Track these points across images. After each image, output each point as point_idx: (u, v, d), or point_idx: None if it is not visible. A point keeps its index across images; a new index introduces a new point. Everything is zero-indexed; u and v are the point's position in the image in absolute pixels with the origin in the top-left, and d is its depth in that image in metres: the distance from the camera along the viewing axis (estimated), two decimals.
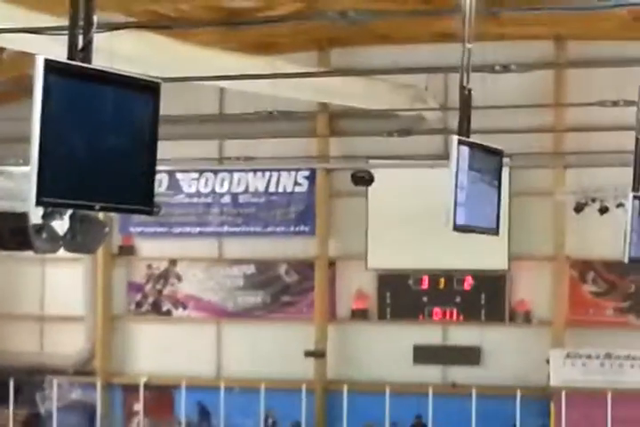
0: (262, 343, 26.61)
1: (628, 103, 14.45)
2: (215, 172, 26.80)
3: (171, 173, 26.47)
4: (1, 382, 26.72)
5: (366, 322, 26.11)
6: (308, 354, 25.87)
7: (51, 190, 5.71)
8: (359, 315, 26.04)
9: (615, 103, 16.00)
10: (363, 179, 22.25)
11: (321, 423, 26.06)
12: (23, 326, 28.77)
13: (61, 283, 28.42)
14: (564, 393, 24.08)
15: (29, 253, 18.67)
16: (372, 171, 22.53)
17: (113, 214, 22.26)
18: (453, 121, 10.30)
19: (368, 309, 26.14)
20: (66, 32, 6.23)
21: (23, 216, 11.53)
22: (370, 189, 23.42)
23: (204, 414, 26.77)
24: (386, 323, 25.94)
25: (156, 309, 27.79)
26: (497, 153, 9.20)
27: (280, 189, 26.52)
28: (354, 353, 26.15)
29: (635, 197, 12.31)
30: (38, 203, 5.71)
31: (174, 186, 26.83)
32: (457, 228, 8.42)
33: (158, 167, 6.53)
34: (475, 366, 25.47)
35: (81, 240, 16.92)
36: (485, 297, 25.33)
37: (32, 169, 5.61)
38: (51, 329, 28.74)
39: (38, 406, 27.72)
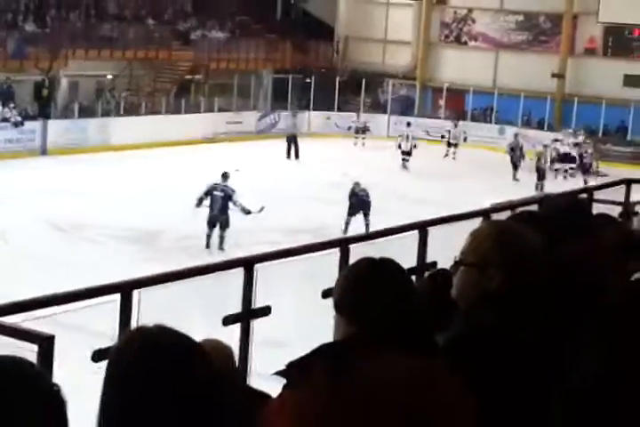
0: (523, 65, 37.47)
1: None
2: None
3: None
4: (356, 81, 39.61)
5: (594, 57, 37.48)
6: (553, 75, 37.44)
7: None
8: (589, 52, 37.69)
9: None
10: None
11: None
12: (372, 46, 41.40)
13: (398, 20, 40.64)
14: None
15: None
16: None
17: None
18: None
19: (596, 48, 37.63)
20: None
21: None
22: None
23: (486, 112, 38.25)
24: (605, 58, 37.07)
25: (458, 40, 40.42)
26: None
27: None
28: (583, 78, 37.18)
29: None
30: None
31: None
32: None
33: None
34: None
35: None
36: None
37: None
38: (389, 48, 41.35)
39: (379, 97, 40.91)
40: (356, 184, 21.95)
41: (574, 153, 31.79)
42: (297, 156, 32.16)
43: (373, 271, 2.71)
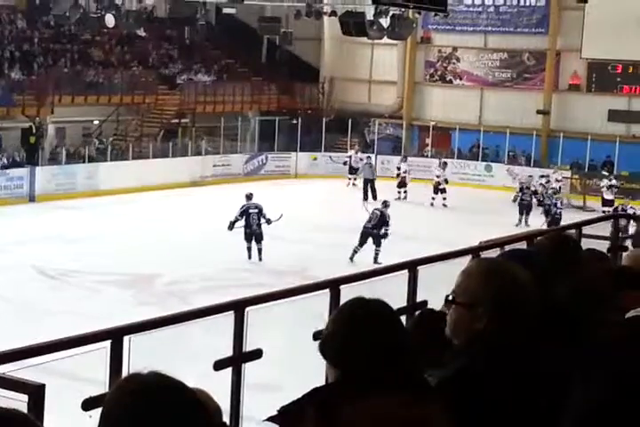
0: (509, 102, 37.94)
1: None
2: None
3: None
4: (342, 121, 39.65)
5: (578, 93, 37.64)
6: (538, 112, 37.63)
7: None
8: (574, 88, 37.86)
9: None
10: None
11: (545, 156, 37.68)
12: (357, 86, 41.82)
13: (383, 60, 41.17)
14: None
15: (363, 39, 34.24)
16: None
17: (417, 15, 34.82)
18: None
19: (580, 84, 37.82)
20: None
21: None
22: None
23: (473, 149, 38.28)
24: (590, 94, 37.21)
25: (443, 78, 40.65)
26: None
27: (527, 3, 37.88)
28: (568, 114, 37.30)
29: None
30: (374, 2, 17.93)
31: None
32: None
33: None
34: None
35: (398, 31, 34.41)
36: None
37: None
38: (374, 88, 41.74)
39: (366, 136, 41.01)
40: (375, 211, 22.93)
41: (556, 186, 31.94)
42: (374, 197, 31.95)
43: (356, 315, 2.71)
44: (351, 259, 22.46)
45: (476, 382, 2.81)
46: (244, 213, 22.52)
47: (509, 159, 37.44)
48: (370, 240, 22.61)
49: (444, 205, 32.19)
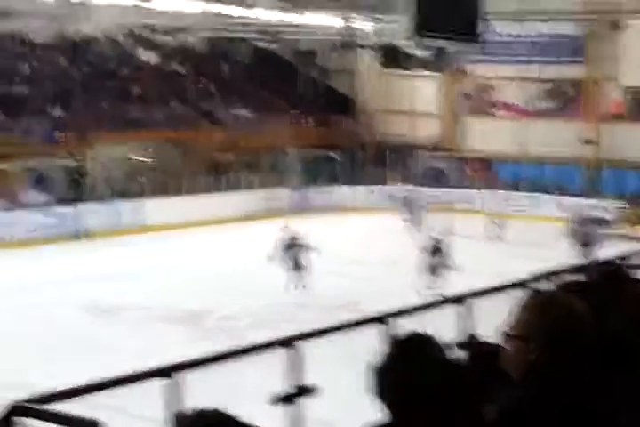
0: (550, 132, 37.65)
1: None
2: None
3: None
4: (383, 153, 40.10)
5: (622, 121, 37.07)
6: (585, 142, 36.91)
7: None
8: (616, 117, 37.40)
9: None
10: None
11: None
12: (399, 118, 41.77)
13: (422, 92, 41.06)
14: None
15: (401, 71, 34.23)
16: None
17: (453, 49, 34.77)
18: None
19: (623, 112, 37.47)
20: None
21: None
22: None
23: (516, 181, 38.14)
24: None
25: (482, 110, 40.55)
26: None
27: (563, 33, 37.50)
28: (613, 143, 36.77)
29: None
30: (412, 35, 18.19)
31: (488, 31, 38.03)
32: None
33: None
34: None
35: (437, 64, 34.73)
36: None
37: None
38: (416, 121, 41.59)
39: (408, 169, 40.78)
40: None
41: (607, 217, 31.44)
42: (419, 230, 31.27)
43: (407, 351, 2.70)
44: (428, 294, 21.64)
45: (527, 416, 2.80)
46: (284, 245, 23.02)
47: (554, 190, 37.01)
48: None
49: (499, 237, 31.63)
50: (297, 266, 22.89)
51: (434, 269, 22.30)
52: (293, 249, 22.96)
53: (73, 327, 18.82)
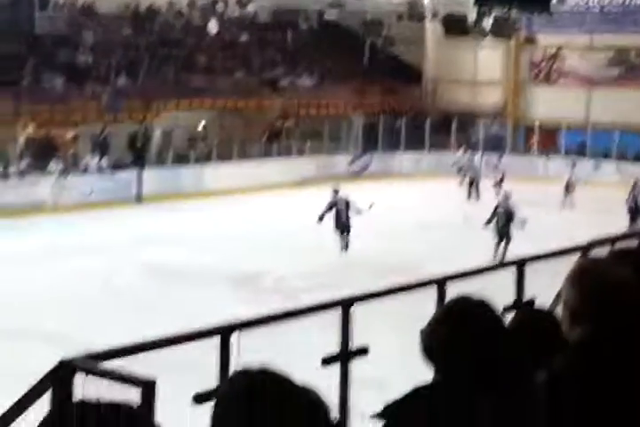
0: (616, 100, 37.40)
1: None
2: None
3: None
4: (446, 121, 39.54)
5: None
6: None
7: None
8: None
9: None
10: None
11: None
12: (461, 87, 41.65)
13: (486, 61, 40.89)
14: None
15: (466, 40, 34.11)
16: None
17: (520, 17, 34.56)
18: None
19: None
20: None
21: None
22: None
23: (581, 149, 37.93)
24: None
25: (548, 78, 40.34)
26: None
27: (633, 3, 37.38)
28: None
29: None
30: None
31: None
32: None
33: None
34: None
35: (501, 31, 34.57)
36: None
37: None
38: (479, 88, 41.61)
39: (470, 136, 40.14)
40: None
41: None
42: (478, 197, 32.12)
43: (458, 315, 2.70)
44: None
45: (575, 382, 2.81)
46: (332, 207, 23.25)
47: (619, 157, 36.65)
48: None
49: (567, 204, 31.37)
50: (343, 228, 22.98)
51: (501, 235, 22.36)
52: (340, 211, 23.05)
53: (131, 289, 19.06)
